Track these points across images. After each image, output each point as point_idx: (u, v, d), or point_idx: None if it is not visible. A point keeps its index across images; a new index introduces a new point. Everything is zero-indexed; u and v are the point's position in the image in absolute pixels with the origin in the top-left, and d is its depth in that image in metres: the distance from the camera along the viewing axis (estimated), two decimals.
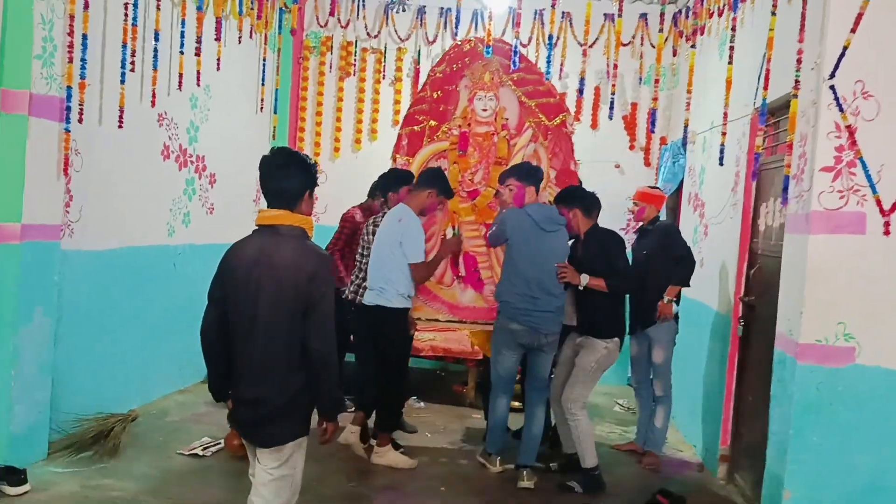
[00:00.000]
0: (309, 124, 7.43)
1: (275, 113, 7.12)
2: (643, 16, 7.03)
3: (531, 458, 4.50)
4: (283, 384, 2.64)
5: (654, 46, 6.66)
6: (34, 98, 3.87)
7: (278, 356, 2.64)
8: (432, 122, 5.15)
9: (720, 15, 5.35)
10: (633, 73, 7.18)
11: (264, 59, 6.80)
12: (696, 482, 4.73)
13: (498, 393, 4.59)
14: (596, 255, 4.48)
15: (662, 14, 6.40)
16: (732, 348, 4.69)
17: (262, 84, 6.83)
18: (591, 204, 4.60)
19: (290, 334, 2.62)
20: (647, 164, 7.26)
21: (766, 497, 3.76)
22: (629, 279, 4.57)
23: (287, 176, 2.69)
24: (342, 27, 7.30)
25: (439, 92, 5.17)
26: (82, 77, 4.07)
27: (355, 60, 7.36)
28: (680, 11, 6.67)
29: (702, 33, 5.99)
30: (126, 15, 4.64)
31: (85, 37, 4.12)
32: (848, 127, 3.48)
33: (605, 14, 6.69)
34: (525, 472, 4.45)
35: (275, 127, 7.18)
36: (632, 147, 7.29)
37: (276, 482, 2.69)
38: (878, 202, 3.47)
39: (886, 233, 3.47)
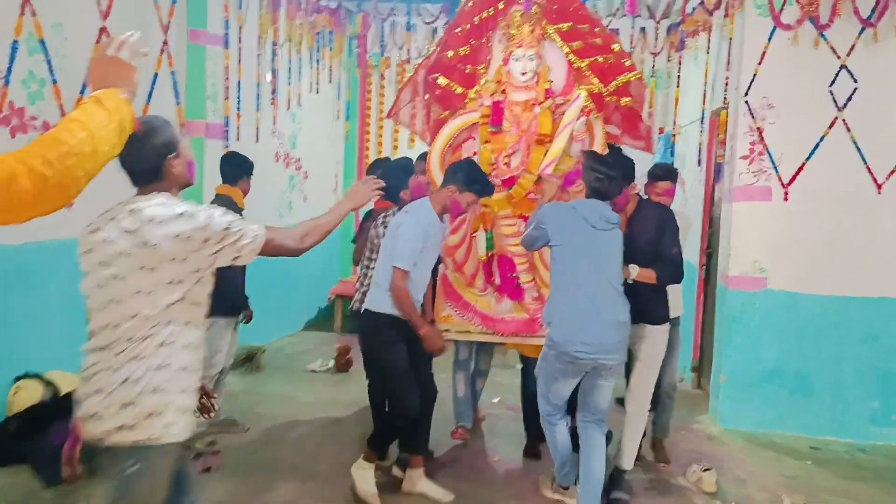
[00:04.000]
0: (373, 128, 9.21)
1: (347, 120, 8.93)
2: (643, 29, 8.64)
3: (596, 501, 3.61)
4: None
5: (652, 54, 8.26)
6: (208, 126, 5.74)
7: None
8: (458, 88, 4.19)
9: (695, 34, 6.94)
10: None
11: (339, 78, 8.61)
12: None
13: (554, 421, 3.71)
14: (646, 236, 3.75)
15: (657, 28, 7.99)
16: (699, 286, 6.36)
17: (338, 98, 8.63)
18: (629, 178, 3.82)
19: None
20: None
21: (713, 383, 5.47)
22: (678, 269, 3.78)
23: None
24: (398, 48, 9.05)
25: (466, 48, 4.16)
26: (238, 109, 5.94)
27: (409, 75, 9.11)
28: (673, 24, 8.27)
29: (683, 47, 7.53)
30: (259, 60, 6.48)
31: (238, 82, 5.98)
32: (758, 128, 5.15)
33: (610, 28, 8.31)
34: None
35: (347, 131, 9.00)
36: None
37: None
38: (780, 179, 5.15)
39: (785, 199, 5.14)
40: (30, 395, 4.20)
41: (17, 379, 4.24)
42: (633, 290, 3.62)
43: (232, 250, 2.06)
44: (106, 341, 1.99)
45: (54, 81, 4.36)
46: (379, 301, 3.72)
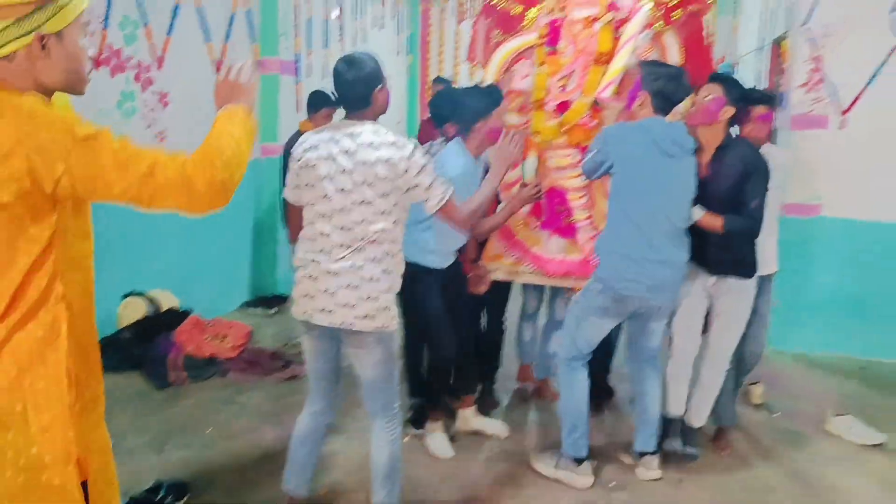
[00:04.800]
0: (433, 61, 9.39)
1: (409, 54, 9.13)
2: None
3: (651, 443, 3.43)
4: None
5: None
6: (282, 63, 6.05)
7: None
8: (516, 8, 3.89)
9: None
10: None
11: (400, 12, 8.78)
12: None
13: (574, 366, 3.35)
14: (728, 180, 3.23)
15: None
16: None
17: (399, 33, 8.82)
18: (745, 101, 3.42)
19: None
20: None
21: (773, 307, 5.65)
22: (754, 225, 3.24)
23: None
24: None
25: None
26: (309, 46, 6.22)
27: (468, 6, 9.21)
28: None
29: None
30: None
31: (308, 20, 6.25)
32: (817, 56, 5.20)
33: None
34: (646, 460, 3.42)
35: (409, 65, 9.21)
36: None
37: None
38: (837, 107, 5.21)
39: (842, 127, 5.22)
40: (135, 310, 4.70)
41: (125, 296, 4.74)
42: (721, 238, 3.25)
43: (421, 192, 2.53)
44: (353, 246, 2.49)
45: (146, 24, 4.72)
46: (409, 250, 3.37)
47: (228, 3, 5.59)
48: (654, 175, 3.11)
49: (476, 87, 3.55)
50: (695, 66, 3.55)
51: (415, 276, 3.29)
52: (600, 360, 3.72)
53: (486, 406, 4.08)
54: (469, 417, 3.86)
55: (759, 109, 3.61)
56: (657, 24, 3.67)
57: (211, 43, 5.37)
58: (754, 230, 3.27)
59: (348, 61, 2.53)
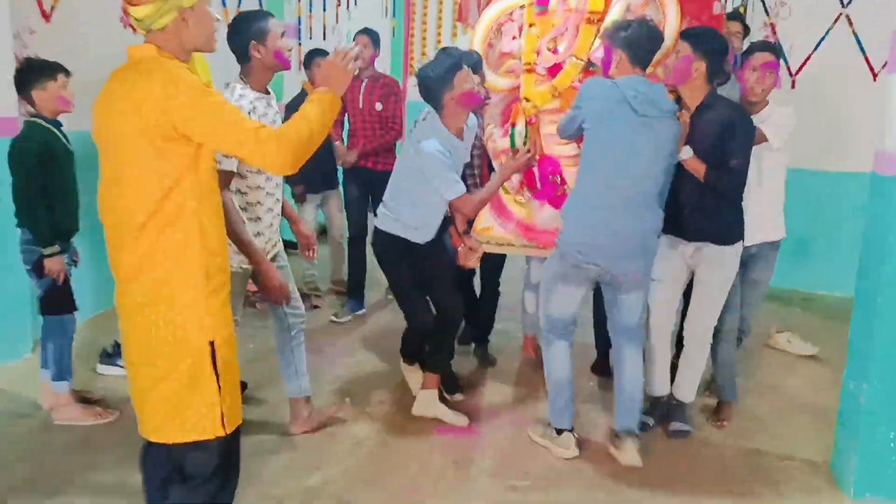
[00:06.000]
0: (417, 24, 9.85)
1: (394, 17, 9.59)
2: None
3: (632, 421, 3.27)
4: None
5: None
6: (285, 26, 6.52)
7: None
8: None
9: None
10: None
11: None
12: None
13: (550, 339, 3.30)
14: (708, 139, 3.10)
15: None
16: None
17: None
18: (720, 53, 3.14)
19: None
20: None
21: None
22: (735, 181, 3.13)
23: None
24: None
25: None
26: (310, 10, 6.72)
27: None
28: None
29: None
30: None
31: None
32: (771, 24, 5.84)
33: None
34: (628, 441, 3.24)
35: (394, 27, 9.67)
36: None
37: None
38: (789, 69, 5.87)
39: (793, 87, 5.89)
40: None
41: None
42: (697, 203, 3.17)
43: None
44: None
45: None
46: (387, 222, 3.55)
47: None
48: (623, 135, 2.97)
49: (432, 60, 3.40)
50: (696, 19, 3.37)
51: (390, 247, 3.53)
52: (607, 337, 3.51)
53: (486, 363, 4.32)
54: (428, 401, 3.65)
55: (762, 57, 3.35)
56: None
57: (226, 9, 5.85)
58: (733, 188, 3.14)
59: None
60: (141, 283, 2.06)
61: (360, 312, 5.20)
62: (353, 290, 5.19)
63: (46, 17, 4.32)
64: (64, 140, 3.47)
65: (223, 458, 2.18)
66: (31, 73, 3.40)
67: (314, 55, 5.35)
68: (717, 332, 3.51)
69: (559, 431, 3.34)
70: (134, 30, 2.15)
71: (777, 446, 3.53)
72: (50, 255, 3.36)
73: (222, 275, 2.15)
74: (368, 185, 5.06)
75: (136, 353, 2.12)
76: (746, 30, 3.74)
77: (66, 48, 4.34)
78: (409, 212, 3.48)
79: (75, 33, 4.49)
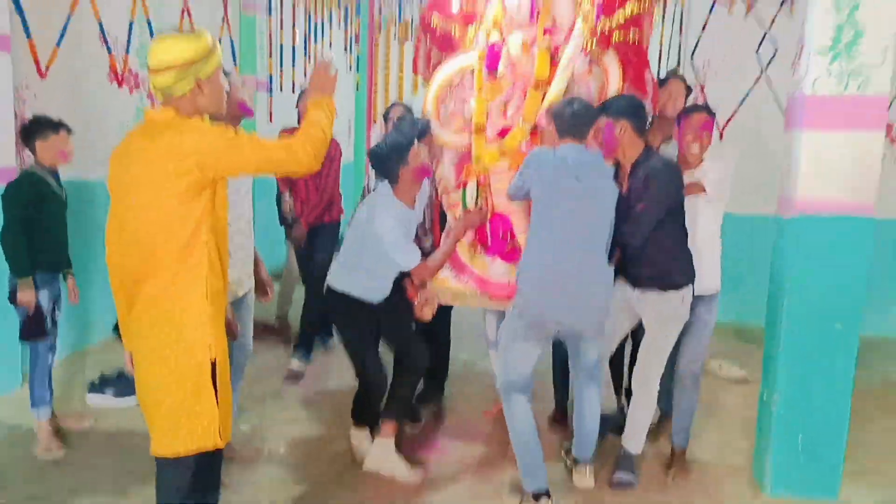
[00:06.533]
0: (380, 78, 10.42)
1: (357, 71, 10.15)
2: None
3: (588, 451, 3.50)
4: None
5: None
6: (257, 81, 7.01)
7: None
8: (455, 29, 3.81)
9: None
10: None
11: (352, 34, 9.81)
12: None
13: (509, 396, 3.30)
14: (634, 193, 3.27)
15: None
16: None
17: (350, 52, 9.84)
18: (643, 116, 3.34)
19: None
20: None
21: None
22: (634, 228, 3.26)
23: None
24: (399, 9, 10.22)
25: None
26: (281, 66, 7.21)
27: (412, 32, 10.30)
28: None
29: None
30: (294, 24, 7.71)
31: (281, 45, 7.24)
32: (701, 85, 6.49)
33: None
34: (585, 467, 3.51)
35: (357, 81, 10.23)
36: None
37: None
38: (717, 124, 6.51)
39: (721, 138, 6.52)
40: None
41: None
42: (641, 252, 3.31)
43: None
44: None
45: None
46: (342, 281, 3.61)
47: (215, 30, 6.52)
48: (567, 199, 3.15)
49: (387, 137, 3.53)
50: (634, 87, 3.56)
51: (344, 307, 3.57)
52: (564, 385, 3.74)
53: (440, 416, 4.33)
54: (383, 453, 3.60)
55: (699, 118, 3.54)
56: (594, 50, 3.56)
57: None
58: (633, 235, 3.25)
59: None
60: (155, 310, 2.30)
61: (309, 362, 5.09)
62: (305, 337, 5.05)
63: (42, 73, 4.70)
64: (56, 186, 3.78)
65: (206, 472, 2.37)
66: (38, 126, 3.73)
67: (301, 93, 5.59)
68: (675, 378, 3.66)
69: (536, 497, 3.23)
70: (151, 100, 2.51)
71: (709, 455, 4.00)
72: (23, 286, 3.57)
73: (222, 298, 2.40)
74: (312, 237, 5.06)
75: (146, 374, 2.37)
76: (689, 89, 4.10)
77: (60, 102, 4.73)
78: (364, 274, 3.57)
79: (68, 89, 4.88)
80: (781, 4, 6.27)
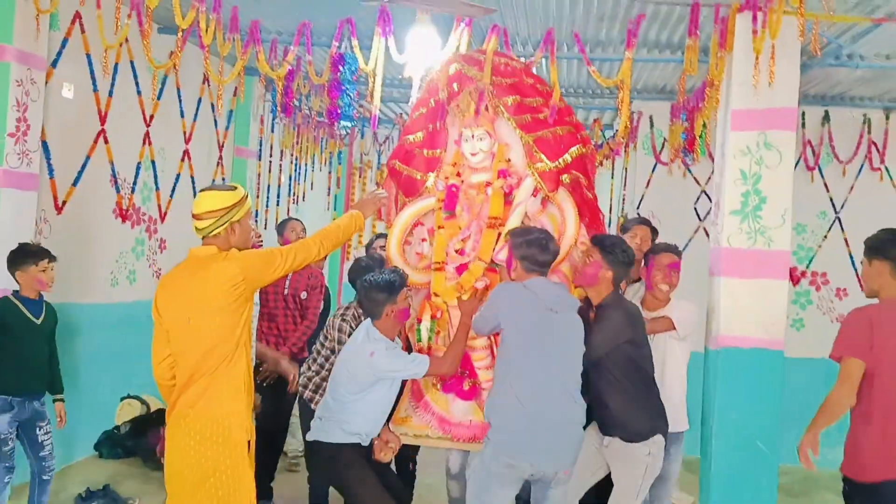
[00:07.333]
0: None
1: (334, 210, 10.88)
2: None
3: None
4: None
5: None
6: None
7: None
8: (417, 174, 3.95)
9: (602, 163, 9.14)
10: None
11: (331, 177, 10.62)
12: None
13: None
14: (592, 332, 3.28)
15: None
16: None
17: (329, 193, 10.61)
18: (627, 265, 3.38)
19: None
20: None
21: None
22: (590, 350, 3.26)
23: None
24: (378, 153, 11.13)
25: (421, 132, 3.96)
26: (266, 205, 7.86)
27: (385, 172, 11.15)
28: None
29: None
30: (281, 167, 8.46)
31: (268, 185, 7.93)
32: None
33: None
34: None
35: (334, 219, 10.94)
36: None
37: None
38: None
39: None
40: (132, 410, 5.90)
41: (123, 399, 5.94)
42: (603, 399, 3.29)
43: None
44: None
45: (157, 188, 6.25)
46: (333, 433, 3.48)
47: (210, 173, 7.20)
48: (543, 332, 3.11)
49: (381, 275, 3.53)
50: (591, 227, 3.74)
51: (343, 457, 3.43)
52: None
53: None
54: None
55: (667, 258, 3.63)
56: (544, 191, 3.71)
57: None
58: (587, 353, 3.24)
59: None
60: (201, 403, 2.82)
61: None
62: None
63: (59, 209, 5.24)
64: (28, 313, 3.92)
65: None
66: (19, 256, 3.95)
67: (287, 221, 5.86)
68: None
69: None
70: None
71: None
72: None
73: (251, 389, 2.96)
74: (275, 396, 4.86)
75: (182, 459, 2.83)
76: (654, 232, 4.18)
77: (70, 234, 5.25)
78: (360, 418, 3.47)
79: (80, 223, 5.41)
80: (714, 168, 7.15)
